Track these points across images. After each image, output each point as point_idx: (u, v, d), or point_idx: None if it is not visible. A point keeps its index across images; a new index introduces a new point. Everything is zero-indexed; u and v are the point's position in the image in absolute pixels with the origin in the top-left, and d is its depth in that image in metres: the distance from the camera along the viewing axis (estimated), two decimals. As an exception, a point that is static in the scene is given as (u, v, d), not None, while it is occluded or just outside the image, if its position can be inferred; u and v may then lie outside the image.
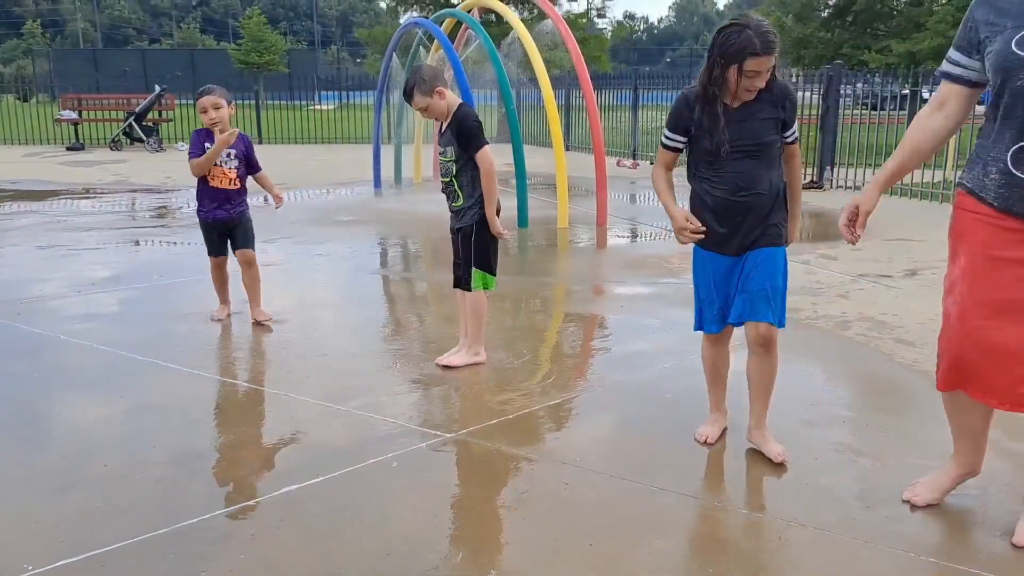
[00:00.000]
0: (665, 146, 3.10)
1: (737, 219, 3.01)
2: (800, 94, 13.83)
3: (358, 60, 63.99)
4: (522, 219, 8.50)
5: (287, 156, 16.39)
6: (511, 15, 10.02)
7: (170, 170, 13.69)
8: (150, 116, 17.98)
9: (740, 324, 3.17)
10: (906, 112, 13.98)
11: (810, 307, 5.34)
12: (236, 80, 31.49)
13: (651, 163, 4.42)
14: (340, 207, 10.17)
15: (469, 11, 10.74)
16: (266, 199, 10.79)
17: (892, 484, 2.96)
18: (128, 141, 17.62)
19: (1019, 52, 1.96)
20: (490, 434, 3.43)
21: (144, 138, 17.38)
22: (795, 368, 4.34)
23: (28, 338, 4.76)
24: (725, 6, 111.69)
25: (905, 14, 17.33)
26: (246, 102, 20.92)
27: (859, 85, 13.98)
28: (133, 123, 17.45)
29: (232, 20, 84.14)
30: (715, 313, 3.21)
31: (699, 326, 3.31)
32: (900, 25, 17.09)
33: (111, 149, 17.38)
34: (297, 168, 14.27)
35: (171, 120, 18.84)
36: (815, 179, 11.30)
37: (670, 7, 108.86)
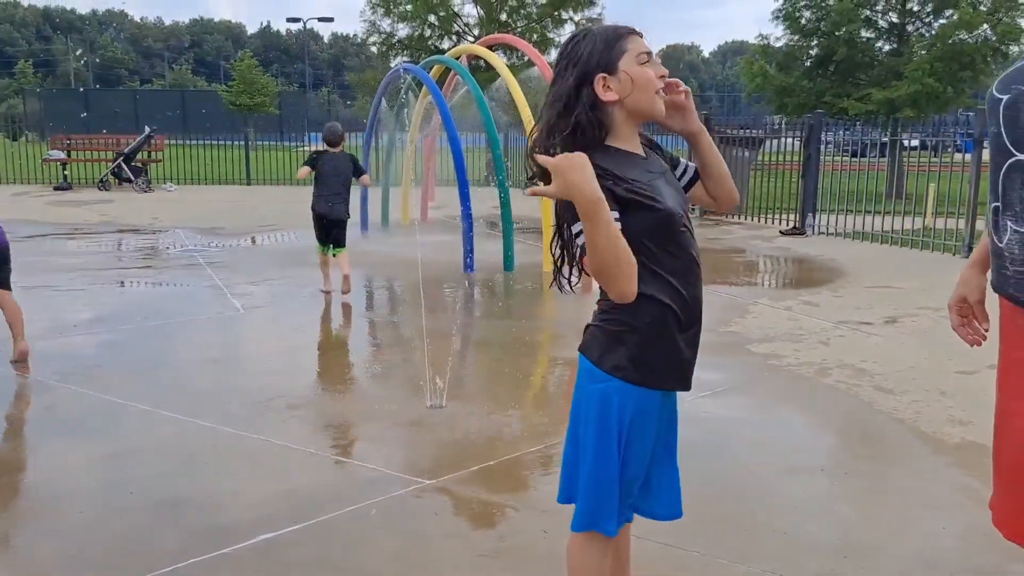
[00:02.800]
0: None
1: (698, 329, 2.01)
2: (784, 141, 14.08)
3: (348, 103, 64.59)
4: (508, 263, 8.55)
5: (276, 197, 16.45)
6: (498, 62, 10.19)
7: (157, 211, 13.72)
8: (139, 157, 18.06)
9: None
10: (887, 159, 14.22)
11: (792, 354, 5.37)
12: (226, 121, 31.72)
13: None
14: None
15: (457, 58, 10.91)
16: (254, 240, 10.84)
17: (872, 534, 2.97)
18: (116, 181, 17.66)
19: (996, 93, 1.82)
20: (470, 481, 3.42)
21: (132, 179, 17.43)
22: (775, 416, 4.37)
23: (7, 379, 4.73)
24: (710, 53, 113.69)
25: (884, 63, 17.67)
26: (236, 144, 21.05)
27: (840, 132, 14.22)
28: (122, 163, 17.50)
29: (223, 62, 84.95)
30: (631, 499, 2.07)
31: (592, 523, 2.00)
32: (880, 74, 17.42)
33: (99, 189, 17.41)
34: (285, 209, 14.32)
35: (160, 160, 18.92)
36: (797, 225, 11.43)
37: (656, 54, 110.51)
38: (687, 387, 1.99)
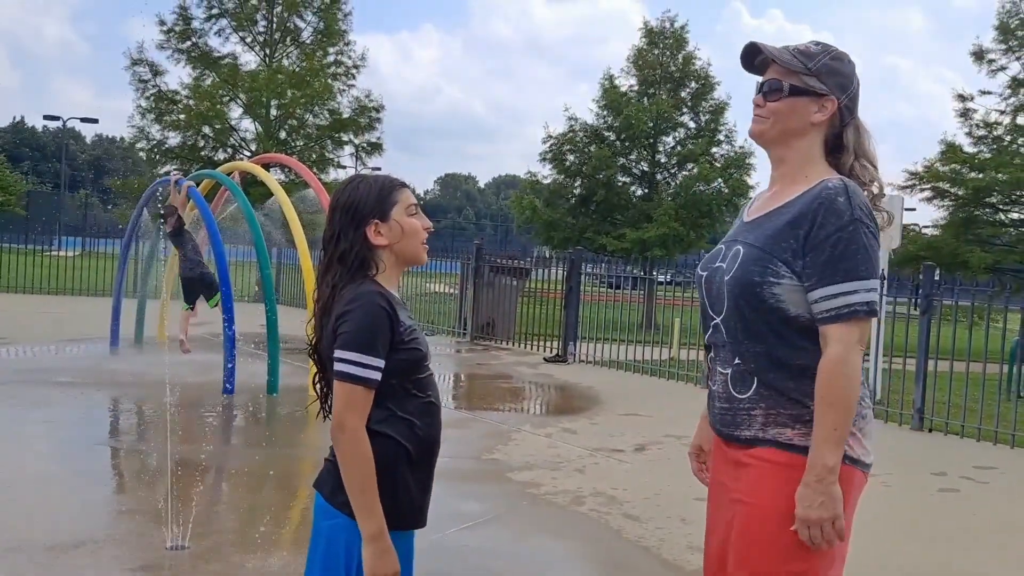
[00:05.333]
0: (364, 380, 1.93)
1: (434, 465, 2.09)
2: (551, 271, 14.96)
3: (109, 207, 60.79)
4: (272, 386, 8.19)
5: (11, 305, 14.85)
6: (271, 180, 10.08)
7: None
8: None
9: None
10: (641, 291, 15.50)
11: (550, 482, 5.53)
12: (-40, 219, 28.63)
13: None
14: (66, 366, 9.28)
15: (230, 173, 10.67)
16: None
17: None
18: None
19: (699, 271, 2.19)
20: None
21: None
22: (532, 547, 4.43)
23: None
24: (485, 184, 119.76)
25: (638, 206, 19.51)
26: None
27: (601, 266, 15.36)
28: None
29: (-35, 154, 77.27)
30: None
31: None
32: (634, 216, 19.19)
33: None
34: (24, 320, 12.96)
35: None
36: (559, 352, 12.03)
37: (435, 181, 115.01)
38: (420, 526, 2.06)
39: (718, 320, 2.04)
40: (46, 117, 50.34)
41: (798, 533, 1.85)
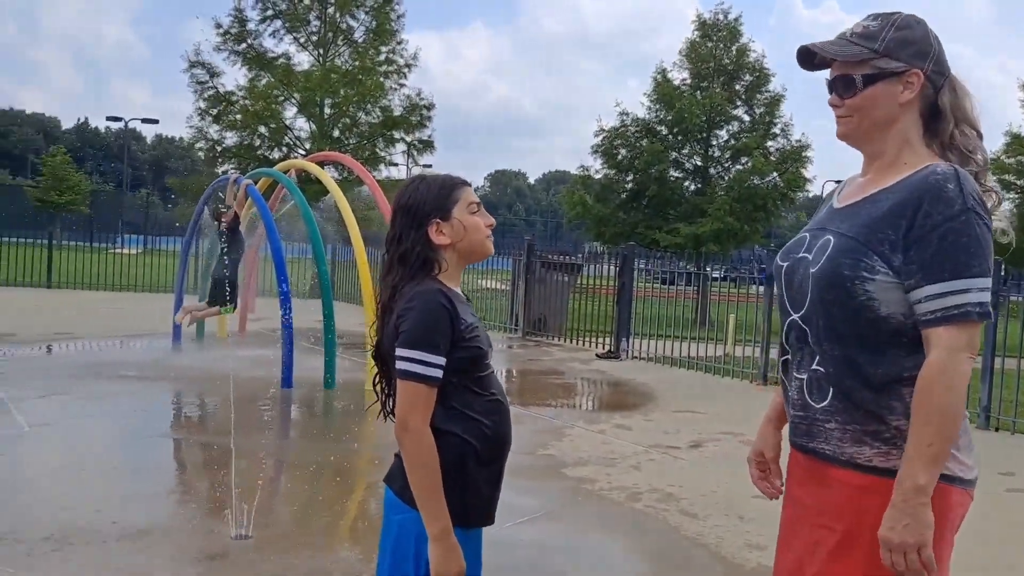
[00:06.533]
0: (426, 378, 1.94)
1: (504, 464, 2.10)
2: (603, 267, 14.91)
3: (169, 206, 62.32)
4: (329, 380, 8.31)
5: (79, 301, 15.34)
6: (326, 177, 10.24)
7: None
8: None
9: None
10: (694, 288, 15.33)
11: (604, 478, 5.51)
12: (29, 219, 29.63)
13: None
14: (131, 360, 9.54)
15: (286, 171, 10.85)
16: (49, 348, 9.98)
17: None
18: None
19: (779, 261, 2.01)
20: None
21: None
22: (588, 543, 4.43)
23: None
24: (535, 180, 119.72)
25: (691, 201, 19.30)
26: (40, 242, 19.66)
27: (653, 261, 15.24)
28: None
29: (33, 156, 79.93)
30: None
31: None
32: (686, 210, 18.99)
33: None
34: (89, 315, 13.37)
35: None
36: (612, 349, 11.97)
37: (485, 178, 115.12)
38: (489, 523, 2.06)
39: (796, 317, 1.86)
40: (109, 118, 51.84)
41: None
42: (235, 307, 9.92)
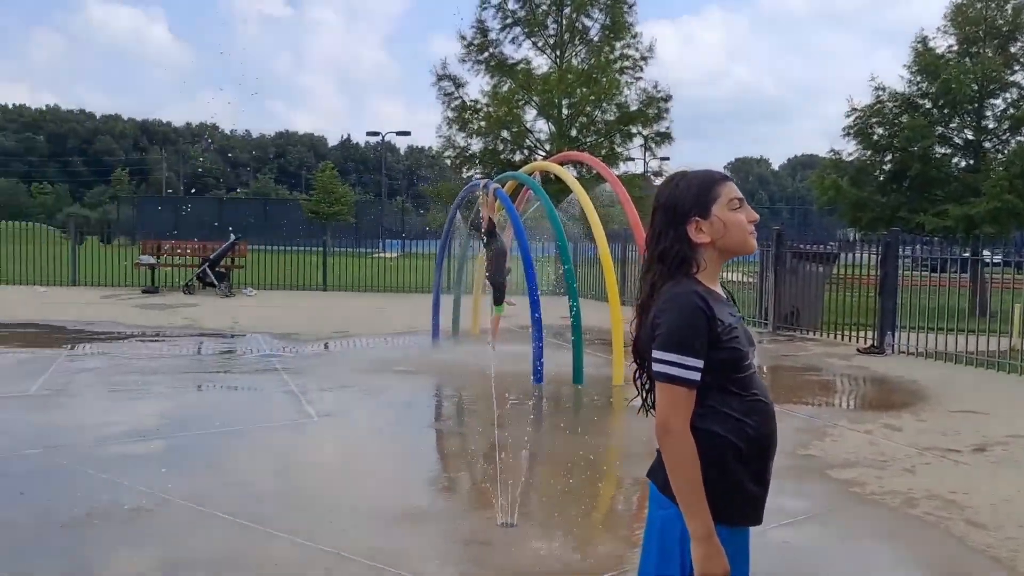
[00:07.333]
0: (684, 380, 1.92)
1: (770, 463, 2.04)
2: (860, 255, 13.93)
3: (421, 212, 66.67)
4: (577, 375, 8.49)
5: (351, 303, 16.87)
6: (569, 177, 10.44)
7: (238, 315, 14.16)
8: (223, 262, 18.80)
9: None
10: (968, 275, 13.88)
11: (875, 481, 5.15)
12: (304, 228, 33.00)
13: None
14: (399, 356, 10.33)
15: (530, 174, 11.22)
16: (327, 345, 11.07)
17: None
18: (201, 285, 18.37)
19: None
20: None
21: (216, 283, 18.12)
22: (860, 549, 4.16)
23: (87, 483, 4.83)
24: (780, 166, 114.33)
25: (961, 179, 17.46)
26: (313, 249, 21.81)
27: (918, 247, 13.99)
28: (207, 269, 18.24)
29: (305, 172, 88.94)
30: None
31: None
32: (956, 190, 17.19)
33: (184, 293, 18.12)
34: (358, 315, 14.65)
35: (243, 267, 19.64)
36: (875, 343, 11.14)
37: (725, 167, 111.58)
38: (756, 523, 2.01)
39: None
40: (368, 133, 56.36)
41: None
42: (503, 307, 10.36)
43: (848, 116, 18.29)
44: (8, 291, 15.79)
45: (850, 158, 18.73)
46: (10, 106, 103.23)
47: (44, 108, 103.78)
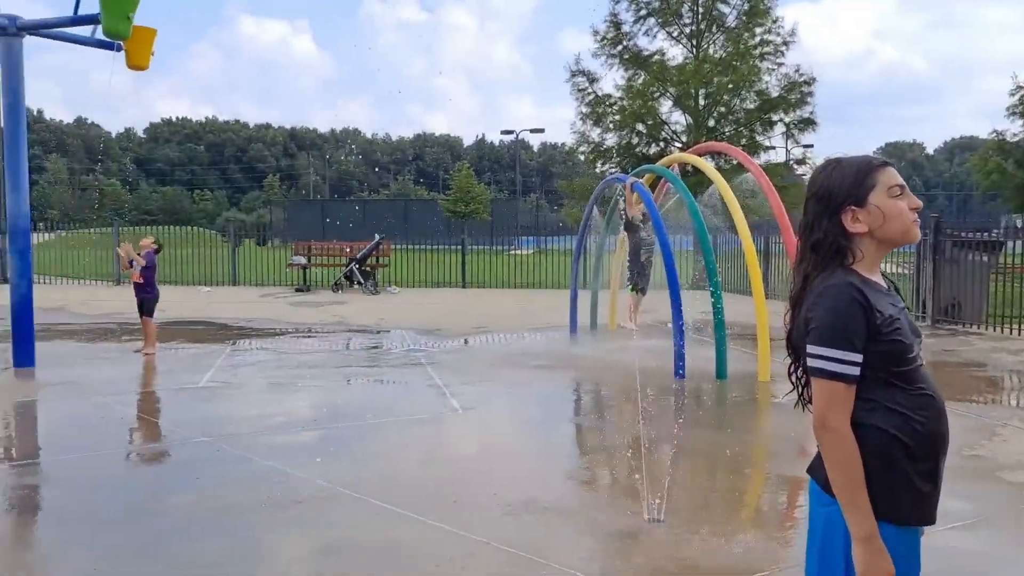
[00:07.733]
0: (841, 376, 1.85)
1: (942, 461, 1.93)
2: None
3: (555, 208, 66.98)
4: (721, 371, 8.31)
5: (489, 300, 17.17)
6: (709, 168, 10.23)
7: (383, 312, 14.70)
8: (369, 261, 19.56)
9: None
10: None
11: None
12: (443, 227, 33.85)
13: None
14: (537, 351, 10.42)
15: (668, 166, 11.06)
16: (467, 341, 11.32)
17: None
18: (348, 284, 19.19)
19: None
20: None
21: (362, 282, 18.87)
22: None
23: (253, 469, 5.16)
24: (935, 150, 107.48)
25: None
26: (452, 248, 22.34)
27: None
28: (354, 268, 19.03)
29: (443, 172, 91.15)
30: None
31: None
32: None
33: (333, 291, 18.98)
34: (498, 312, 14.89)
35: (387, 266, 20.37)
36: (1049, 336, 10.32)
37: (875, 152, 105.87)
38: (927, 522, 1.92)
39: None
40: (502, 132, 57.05)
41: None
42: (643, 292, 10.59)
43: (1013, 95, 17.10)
44: (176, 291, 17.04)
45: (1015, 139, 17.43)
46: (174, 119, 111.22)
47: (204, 120, 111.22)
